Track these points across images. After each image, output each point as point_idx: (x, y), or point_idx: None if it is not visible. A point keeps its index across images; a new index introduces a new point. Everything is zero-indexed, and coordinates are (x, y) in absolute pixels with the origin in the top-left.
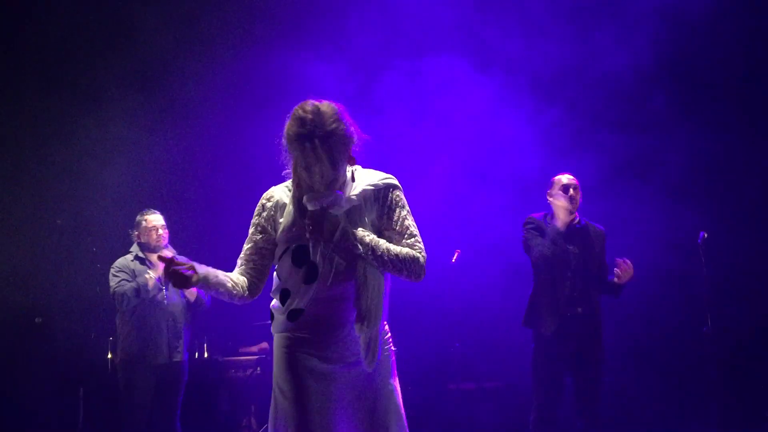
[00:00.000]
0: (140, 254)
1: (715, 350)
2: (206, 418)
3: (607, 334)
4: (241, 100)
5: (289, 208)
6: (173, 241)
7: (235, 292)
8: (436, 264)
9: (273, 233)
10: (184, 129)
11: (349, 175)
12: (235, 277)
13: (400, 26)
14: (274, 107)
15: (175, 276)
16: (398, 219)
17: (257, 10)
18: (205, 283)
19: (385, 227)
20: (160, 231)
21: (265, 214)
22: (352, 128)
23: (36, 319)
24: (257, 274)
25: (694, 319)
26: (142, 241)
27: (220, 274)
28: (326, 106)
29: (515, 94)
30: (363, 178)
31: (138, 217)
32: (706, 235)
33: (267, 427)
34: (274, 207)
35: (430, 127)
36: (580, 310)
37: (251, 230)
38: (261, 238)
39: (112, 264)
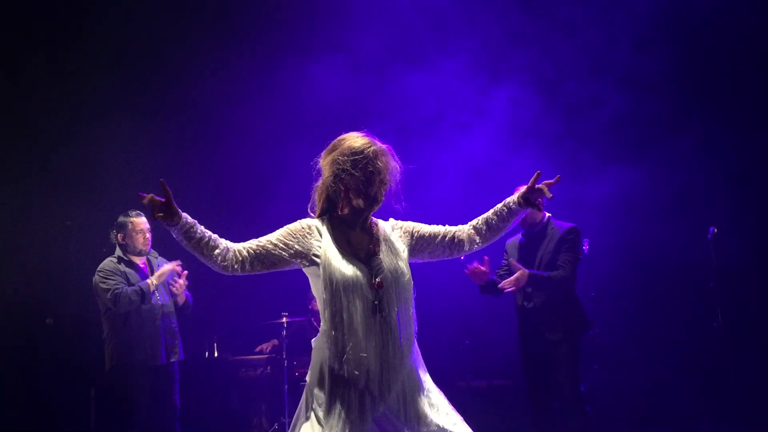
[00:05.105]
0: (124, 257)
1: (726, 346)
2: (217, 418)
3: (597, 325)
4: (249, 106)
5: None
6: (158, 245)
7: (214, 249)
8: (443, 262)
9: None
10: (191, 131)
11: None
12: (225, 242)
13: (405, 29)
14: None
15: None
16: (417, 228)
17: (261, 14)
18: (185, 228)
19: (418, 239)
20: (147, 234)
21: (300, 237)
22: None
23: (47, 320)
24: (256, 257)
25: (704, 314)
26: (126, 243)
27: (206, 232)
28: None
29: (517, 96)
30: (383, 224)
31: (122, 218)
32: (716, 230)
33: (277, 425)
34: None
35: (430, 129)
36: (530, 304)
37: (280, 234)
38: (280, 249)
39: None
